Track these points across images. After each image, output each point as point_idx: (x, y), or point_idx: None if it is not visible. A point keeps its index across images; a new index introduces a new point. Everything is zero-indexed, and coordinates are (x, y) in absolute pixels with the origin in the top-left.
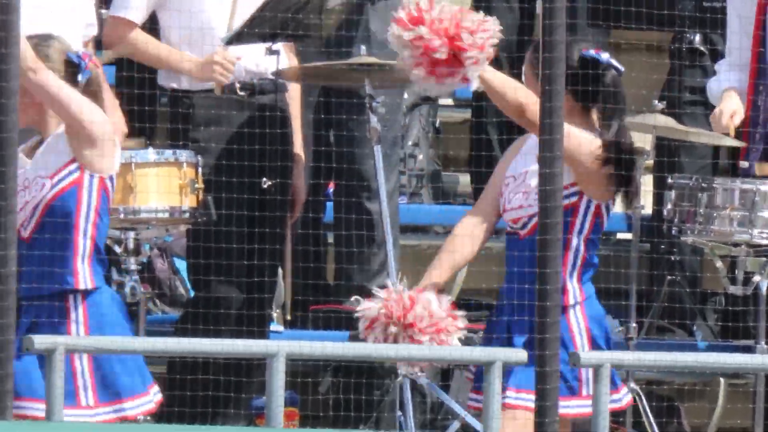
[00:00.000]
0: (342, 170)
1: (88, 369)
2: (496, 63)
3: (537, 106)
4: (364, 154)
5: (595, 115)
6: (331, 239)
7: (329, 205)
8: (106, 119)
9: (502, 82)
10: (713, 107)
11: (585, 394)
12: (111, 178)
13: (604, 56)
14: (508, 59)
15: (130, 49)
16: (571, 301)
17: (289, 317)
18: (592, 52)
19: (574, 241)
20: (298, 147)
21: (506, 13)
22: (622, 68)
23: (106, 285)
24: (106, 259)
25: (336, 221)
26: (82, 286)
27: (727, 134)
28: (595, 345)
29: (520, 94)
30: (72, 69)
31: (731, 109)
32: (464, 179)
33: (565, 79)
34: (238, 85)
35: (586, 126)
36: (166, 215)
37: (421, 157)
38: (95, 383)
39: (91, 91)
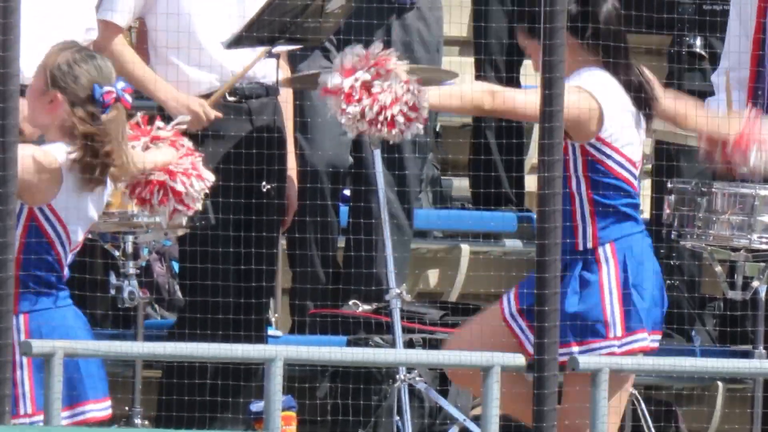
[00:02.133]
0: (360, 175)
1: (27, 377)
2: (491, 67)
3: (489, 94)
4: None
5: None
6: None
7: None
8: (48, 153)
9: (448, 97)
10: None
11: (612, 335)
12: (44, 211)
13: None
14: (506, 62)
15: (116, 63)
16: (588, 245)
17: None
18: None
19: (573, 180)
20: (290, 152)
21: (501, 16)
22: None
23: (58, 307)
24: (57, 283)
25: (351, 226)
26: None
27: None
28: (625, 288)
29: (475, 96)
30: (93, 104)
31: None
32: (463, 183)
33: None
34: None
35: (585, 64)
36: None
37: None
38: (34, 391)
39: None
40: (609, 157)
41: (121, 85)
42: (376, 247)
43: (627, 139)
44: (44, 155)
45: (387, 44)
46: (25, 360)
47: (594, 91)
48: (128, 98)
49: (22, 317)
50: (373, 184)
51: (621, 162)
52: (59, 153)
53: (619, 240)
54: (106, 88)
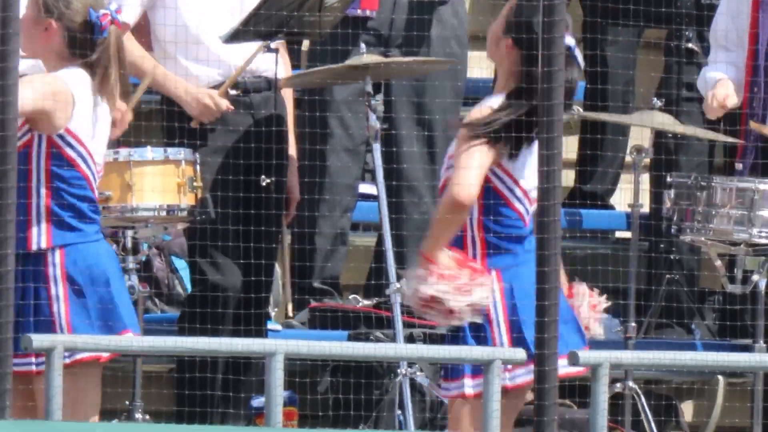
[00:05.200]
0: (388, 171)
1: (64, 310)
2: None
3: (455, 195)
4: (411, 153)
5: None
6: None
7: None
8: (56, 78)
9: (439, 233)
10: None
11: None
12: (62, 135)
13: (569, 40)
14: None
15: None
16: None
17: (291, 314)
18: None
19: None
20: (292, 145)
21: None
22: (582, 64)
23: (91, 242)
24: (88, 212)
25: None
26: (34, 248)
27: (720, 122)
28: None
29: (445, 210)
30: (90, 28)
31: (723, 93)
32: None
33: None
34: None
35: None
36: (164, 213)
37: None
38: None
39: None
40: (511, 190)
41: (114, 6)
42: (406, 242)
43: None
44: (53, 82)
45: (426, 39)
46: (61, 292)
47: None
48: (120, 19)
49: (57, 252)
50: (403, 180)
51: (520, 197)
52: (70, 77)
53: (506, 270)
54: (102, 11)
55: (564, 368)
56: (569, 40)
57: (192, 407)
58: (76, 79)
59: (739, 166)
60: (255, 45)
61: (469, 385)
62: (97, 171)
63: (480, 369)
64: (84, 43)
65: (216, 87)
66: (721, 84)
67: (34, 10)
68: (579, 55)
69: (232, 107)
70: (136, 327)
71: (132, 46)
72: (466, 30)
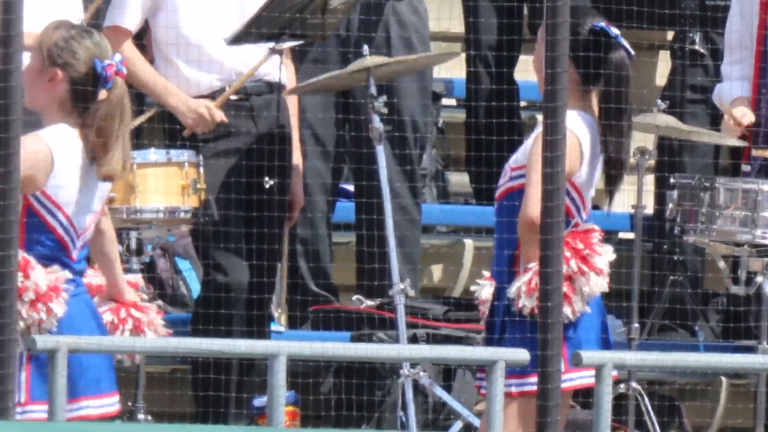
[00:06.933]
0: (361, 171)
1: (25, 366)
2: (483, 62)
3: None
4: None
5: (595, 97)
6: (340, 239)
7: (340, 205)
8: (37, 138)
9: (528, 249)
10: (714, 108)
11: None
12: (37, 196)
13: (614, 31)
14: (495, 58)
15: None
16: None
17: (282, 321)
18: (602, 24)
19: None
20: (296, 148)
21: (491, 13)
22: (632, 52)
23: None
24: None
25: (358, 222)
26: None
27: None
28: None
29: (525, 229)
30: (94, 78)
31: (740, 113)
32: (467, 179)
33: (570, 52)
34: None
35: (582, 107)
36: (168, 215)
37: (424, 156)
38: (30, 380)
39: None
40: (572, 200)
41: (118, 57)
42: (387, 242)
43: (588, 185)
44: (33, 143)
45: (387, 41)
46: (24, 358)
47: (579, 135)
48: (125, 70)
49: None
50: (376, 180)
51: (574, 197)
52: (54, 136)
53: None
54: (107, 62)
55: (572, 381)
56: (615, 30)
57: (206, 408)
58: (61, 138)
59: (747, 167)
60: (256, 50)
61: (514, 384)
62: (78, 235)
63: (525, 369)
64: (86, 96)
65: (216, 93)
66: (736, 102)
67: (39, 61)
68: (625, 43)
69: (227, 120)
70: (97, 390)
71: (132, 55)
72: (428, 27)
